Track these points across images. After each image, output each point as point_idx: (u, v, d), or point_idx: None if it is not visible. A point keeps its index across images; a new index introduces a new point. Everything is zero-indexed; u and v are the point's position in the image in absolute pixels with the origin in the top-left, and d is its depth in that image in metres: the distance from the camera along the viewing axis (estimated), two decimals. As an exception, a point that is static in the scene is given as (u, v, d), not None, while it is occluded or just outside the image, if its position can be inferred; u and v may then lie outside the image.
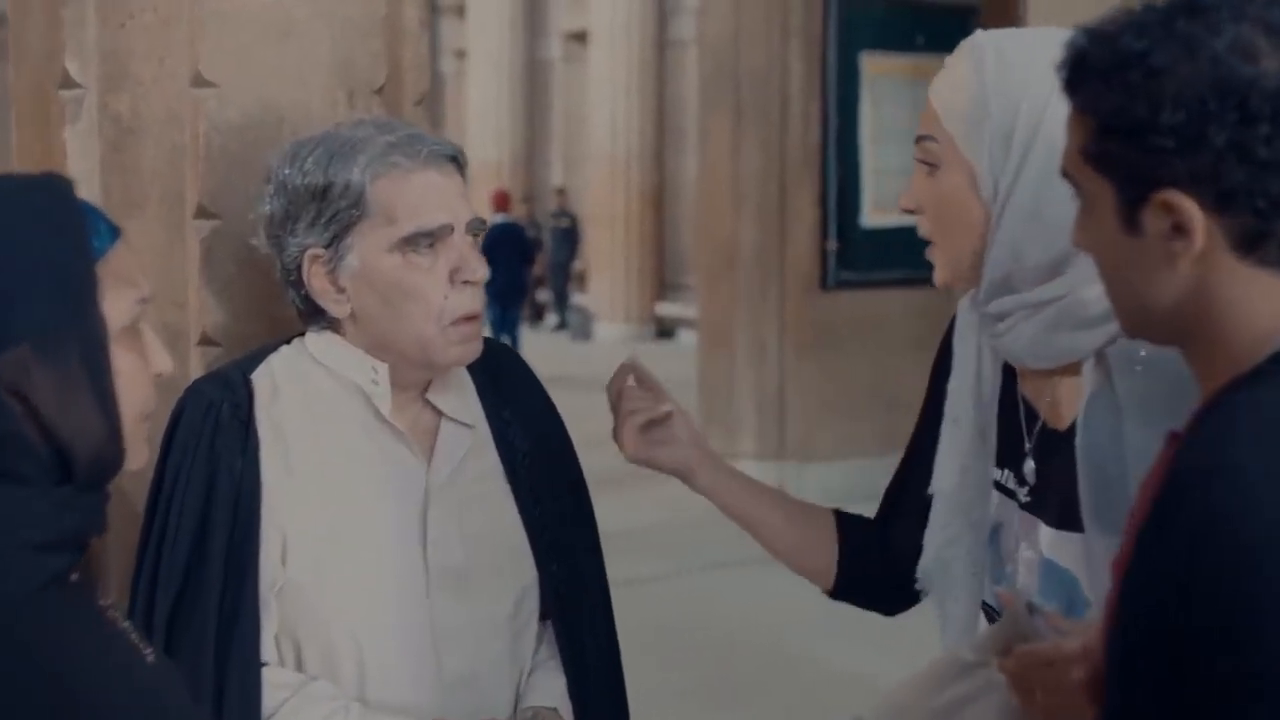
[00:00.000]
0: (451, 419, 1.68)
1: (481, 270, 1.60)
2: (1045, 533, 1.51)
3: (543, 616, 1.72)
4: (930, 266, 1.54)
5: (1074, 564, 1.48)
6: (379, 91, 1.88)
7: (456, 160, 1.62)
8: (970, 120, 1.45)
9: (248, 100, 1.79)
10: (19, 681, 1.01)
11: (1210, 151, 1.02)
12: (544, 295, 16.90)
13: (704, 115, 8.04)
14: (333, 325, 1.63)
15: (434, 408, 1.67)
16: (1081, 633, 1.34)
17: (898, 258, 7.46)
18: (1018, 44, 1.46)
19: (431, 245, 1.57)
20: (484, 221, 1.64)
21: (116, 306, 1.09)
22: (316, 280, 1.59)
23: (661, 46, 15.38)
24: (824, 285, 7.48)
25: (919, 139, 1.50)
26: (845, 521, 1.76)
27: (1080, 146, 1.11)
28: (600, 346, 14.37)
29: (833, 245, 7.43)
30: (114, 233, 1.12)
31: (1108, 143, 1.08)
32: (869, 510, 1.80)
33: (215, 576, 1.55)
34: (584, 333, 15.50)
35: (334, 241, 1.57)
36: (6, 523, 1.04)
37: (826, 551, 1.74)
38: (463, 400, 1.70)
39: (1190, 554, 0.97)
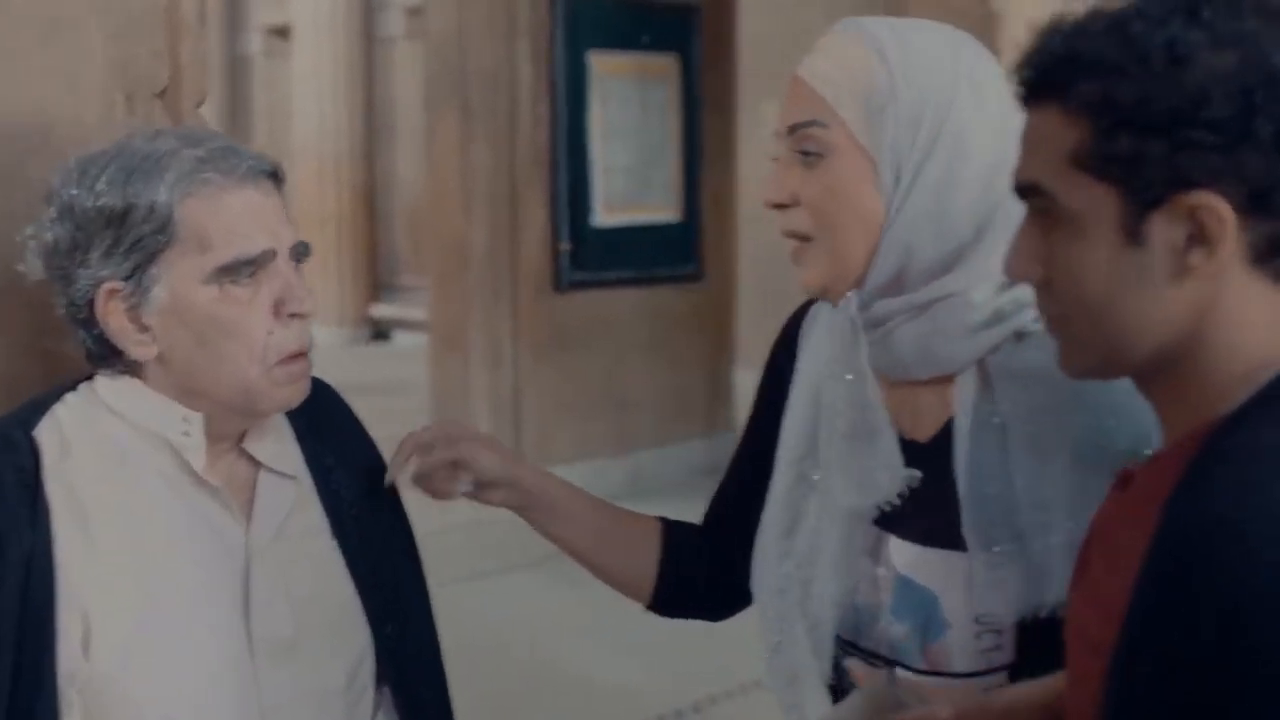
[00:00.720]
0: (271, 470, 1.48)
1: (309, 301, 1.41)
2: (901, 549, 1.43)
3: (378, 682, 1.54)
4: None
5: (936, 582, 1.40)
6: (161, 94, 1.65)
7: (276, 176, 1.42)
8: (871, 107, 1.33)
9: (8, 105, 1.53)
10: None
11: (1255, 147, 0.93)
12: (251, 300, 16.21)
13: (430, 114, 7.80)
14: (131, 368, 1.41)
15: (250, 458, 1.47)
16: (949, 700, 1.28)
17: (628, 257, 7.47)
18: (916, 33, 1.37)
19: (253, 274, 1.37)
20: (308, 246, 1.44)
21: None
22: (114, 318, 1.36)
23: (369, 42, 14.97)
24: (557, 286, 7.38)
25: (795, 127, 1.36)
26: (671, 530, 1.68)
27: (1070, 152, 0.99)
28: (314, 352, 13.87)
29: (565, 246, 7.34)
30: None
31: (1117, 142, 0.96)
32: None
33: (3, 676, 1.30)
34: (296, 338, 14.97)
35: (135, 273, 1.35)
36: None
37: (646, 565, 1.65)
38: (282, 447, 1.50)
39: (1235, 607, 0.88)
